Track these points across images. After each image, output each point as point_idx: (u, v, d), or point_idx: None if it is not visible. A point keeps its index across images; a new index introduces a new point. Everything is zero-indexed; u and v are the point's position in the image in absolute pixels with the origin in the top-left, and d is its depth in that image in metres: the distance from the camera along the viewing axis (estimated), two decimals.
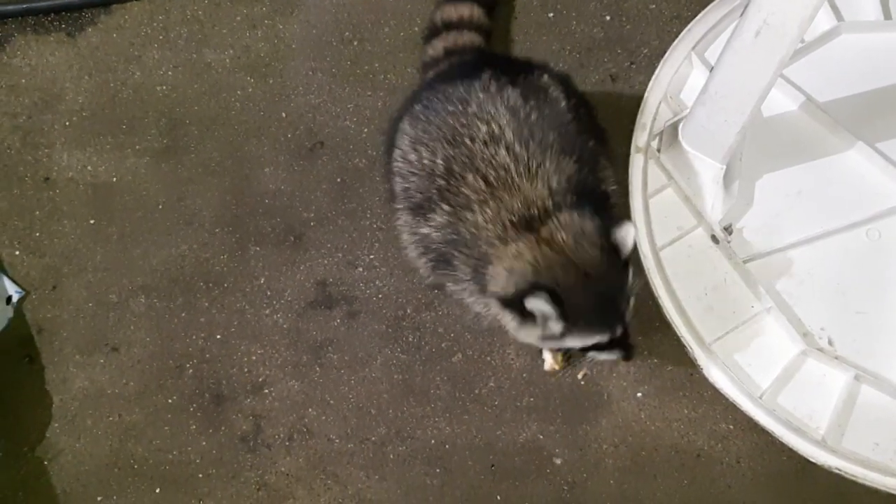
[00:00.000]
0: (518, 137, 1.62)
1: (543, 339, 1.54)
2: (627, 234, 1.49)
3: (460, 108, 1.66)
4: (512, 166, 1.59)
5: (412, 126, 1.71)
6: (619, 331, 1.52)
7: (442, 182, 1.62)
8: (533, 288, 1.45)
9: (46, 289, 2.11)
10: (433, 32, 2.07)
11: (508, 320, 1.56)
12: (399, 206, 1.73)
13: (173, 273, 2.11)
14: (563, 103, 1.73)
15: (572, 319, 1.47)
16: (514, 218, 1.55)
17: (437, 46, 2.02)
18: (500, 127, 1.63)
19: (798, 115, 2.01)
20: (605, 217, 1.57)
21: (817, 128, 1.99)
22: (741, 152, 1.93)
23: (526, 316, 1.50)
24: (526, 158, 1.60)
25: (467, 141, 1.63)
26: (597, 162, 1.73)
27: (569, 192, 1.59)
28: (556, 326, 1.48)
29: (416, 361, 2.00)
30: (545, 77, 1.77)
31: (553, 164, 1.60)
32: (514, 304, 1.49)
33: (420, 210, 1.66)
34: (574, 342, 1.53)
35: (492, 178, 1.59)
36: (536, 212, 1.55)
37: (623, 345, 1.56)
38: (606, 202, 1.72)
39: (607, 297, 1.50)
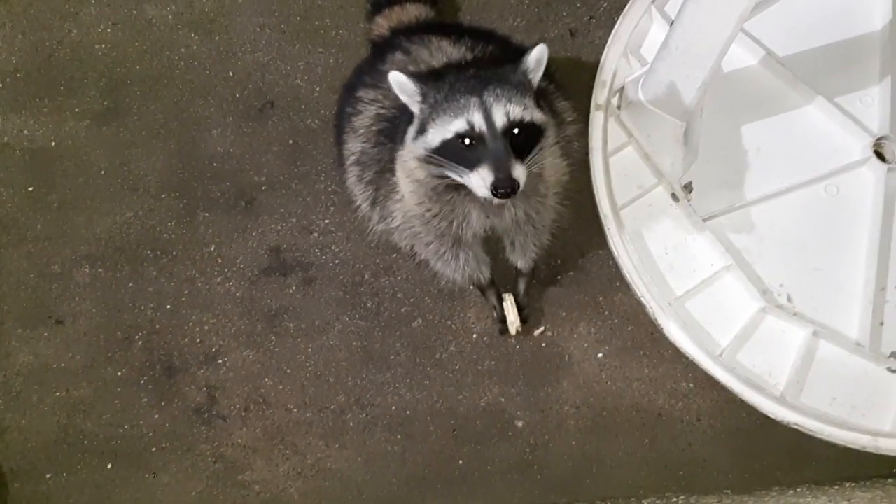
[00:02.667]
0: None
1: (416, 139, 1.46)
2: (536, 51, 1.44)
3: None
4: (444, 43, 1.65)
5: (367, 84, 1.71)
6: (476, 120, 1.39)
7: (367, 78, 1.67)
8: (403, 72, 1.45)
9: None
10: (376, 7, 1.97)
11: (407, 139, 1.50)
12: (345, 132, 1.72)
13: (118, 241, 2.02)
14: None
15: (432, 96, 1.43)
16: None
17: (382, 25, 1.93)
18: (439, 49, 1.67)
19: (758, 70, 1.98)
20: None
21: (777, 83, 1.96)
22: (701, 109, 1.90)
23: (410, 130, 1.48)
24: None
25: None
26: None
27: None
28: (418, 108, 1.45)
29: (375, 328, 1.95)
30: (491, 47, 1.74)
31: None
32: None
33: (352, 127, 1.67)
34: (436, 133, 1.43)
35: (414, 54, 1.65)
36: None
37: (492, 163, 1.38)
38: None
39: (473, 88, 1.42)
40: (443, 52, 1.66)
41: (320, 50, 2.14)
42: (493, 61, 1.62)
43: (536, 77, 1.46)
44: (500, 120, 1.39)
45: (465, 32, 1.76)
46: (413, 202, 1.56)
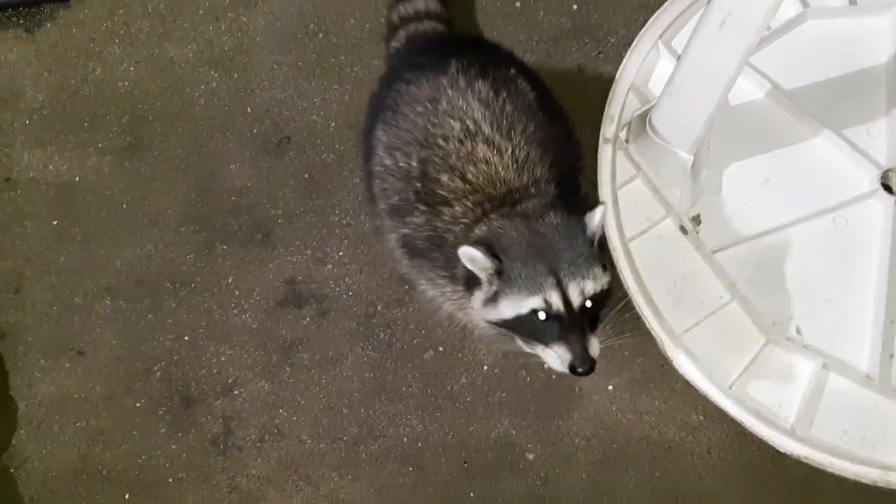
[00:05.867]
0: (497, 129, 1.60)
1: (485, 305, 1.49)
2: (594, 216, 1.47)
3: (430, 107, 1.64)
4: (495, 159, 1.58)
5: (385, 132, 1.70)
6: (553, 299, 1.42)
7: (418, 185, 1.61)
8: (474, 242, 1.45)
9: (9, 292, 2.07)
10: (393, 29, 2.04)
11: (473, 302, 1.53)
12: (381, 207, 1.73)
13: (139, 274, 2.07)
14: (531, 95, 1.72)
15: (505, 273, 1.44)
16: (491, 204, 1.55)
17: (400, 37, 1.99)
18: (474, 122, 1.61)
19: (765, 103, 2.00)
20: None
21: (784, 115, 1.99)
22: (708, 142, 1.93)
23: (472, 283, 1.49)
24: (511, 149, 1.59)
25: (440, 141, 1.61)
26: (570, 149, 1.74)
27: (550, 183, 1.60)
28: (491, 282, 1.45)
29: (387, 359, 1.98)
30: (512, 70, 1.75)
31: (538, 154, 1.60)
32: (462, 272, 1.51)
33: (398, 212, 1.66)
34: (509, 307, 1.46)
35: (470, 175, 1.58)
36: (518, 196, 1.55)
37: (570, 343, 1.43)
38: (578, 191, 1.74)
39: (547, 262, 1.44)
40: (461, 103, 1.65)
41: (335, 87, 2.19)
42: (518, 99, 1.67)
43: (598, 235, 1.49)
44: (576, 299, 1.42)
45: (482, 55, 1.77)
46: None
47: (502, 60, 1.80)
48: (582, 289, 1.43)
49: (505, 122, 1.62)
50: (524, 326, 1.46)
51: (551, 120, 1.71)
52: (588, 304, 1.44)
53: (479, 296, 1.50)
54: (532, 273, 1.43)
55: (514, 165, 1.59)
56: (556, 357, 1.44)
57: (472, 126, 1.61)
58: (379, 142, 1.72)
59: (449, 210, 1.58)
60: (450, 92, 1.65)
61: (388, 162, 1.68)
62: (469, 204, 1.57)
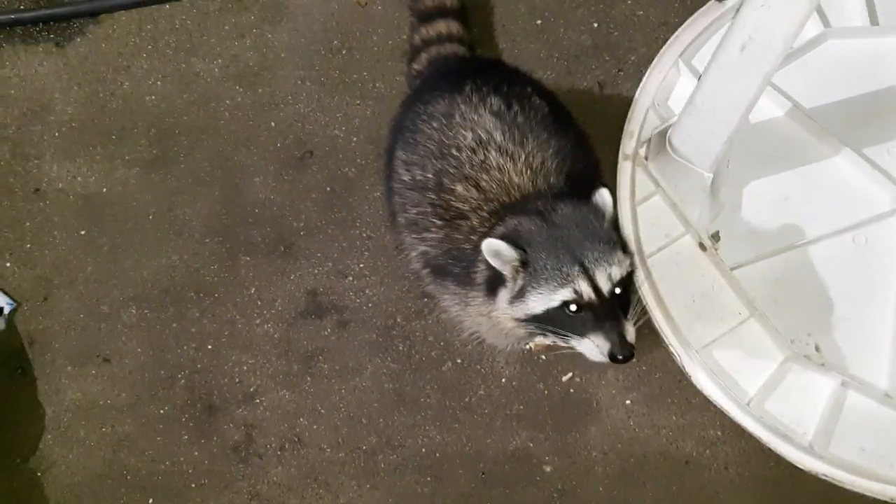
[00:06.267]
0: (509, 138, 1.63)
1: (512, 302, 1.47)
2: (604, 198, 1.47)
3: (444, 121, 1.68)
4: (508, 165, 1.61)
5: (404, 150, 1.74)
6: (583, 288, 1.41)
7: (433, 196, 1.64)
8: (498, 238, 1.44)
9: (38, 300, 2.12)
10: (415, 52, 2.08)
11: (499, 302, 1.51)
12: (400, 222, 1.76)
13: (164, 283, 2.11)
14: (546, 110, 1.75)
15: (531, 265, 1.43)
16: (506, 213, 1.57)
17: (422, 60, 2.03)
18: (486, 131, 1.65)
19: (785, 121, 2.01)
20: None
21: (804, 134, 2.00)
22: (728, 160, 1.94)
23: (496, 283, 1.48)
24: (524, 156, 1.62)
25: (454, 151, 1.65)
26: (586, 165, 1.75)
27: (565, 186, 1.61)
28: (516, 277, 1.44)
29: (406, 370, 2.01)
30: (528, 88, 1.78)
31: (553, 162, 1.63)
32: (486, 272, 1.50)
33: (416, 227, 1.69)
34: (538, 301, 1.44)
35: (484, 183, 1.61)
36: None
37: (604, 330, 1.41)
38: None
39: (570, 251, 1.43)
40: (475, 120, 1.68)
41: (358, 102, 2.23)
42: (531, 114, 1.69)
43: (606, 211, 1.49)
44: (605, 286, 1.42)
45: (498, 75, 1.81)
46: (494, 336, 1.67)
47: (518, 81, 1.83)
48: (609, 274, 1.42)
49: (517, 131, 1.65)
50: (556, 320, 1.45)
51: (567, 134, 1.74)
52: (617, 290, 1.44)
53: (504, 294, 1.49)
54: (557, 264, 1.42)
55: (528, 172, 1.61)
56: (594, 347, 1.43)
57: (484, 135, 1.64)
58: (399, 160, 1.76)
59: (466, 223, 1.60)
60: (463, 107, 1.69)
61: (405, 177, 1.72)
62: (485, 214, 1.59)
